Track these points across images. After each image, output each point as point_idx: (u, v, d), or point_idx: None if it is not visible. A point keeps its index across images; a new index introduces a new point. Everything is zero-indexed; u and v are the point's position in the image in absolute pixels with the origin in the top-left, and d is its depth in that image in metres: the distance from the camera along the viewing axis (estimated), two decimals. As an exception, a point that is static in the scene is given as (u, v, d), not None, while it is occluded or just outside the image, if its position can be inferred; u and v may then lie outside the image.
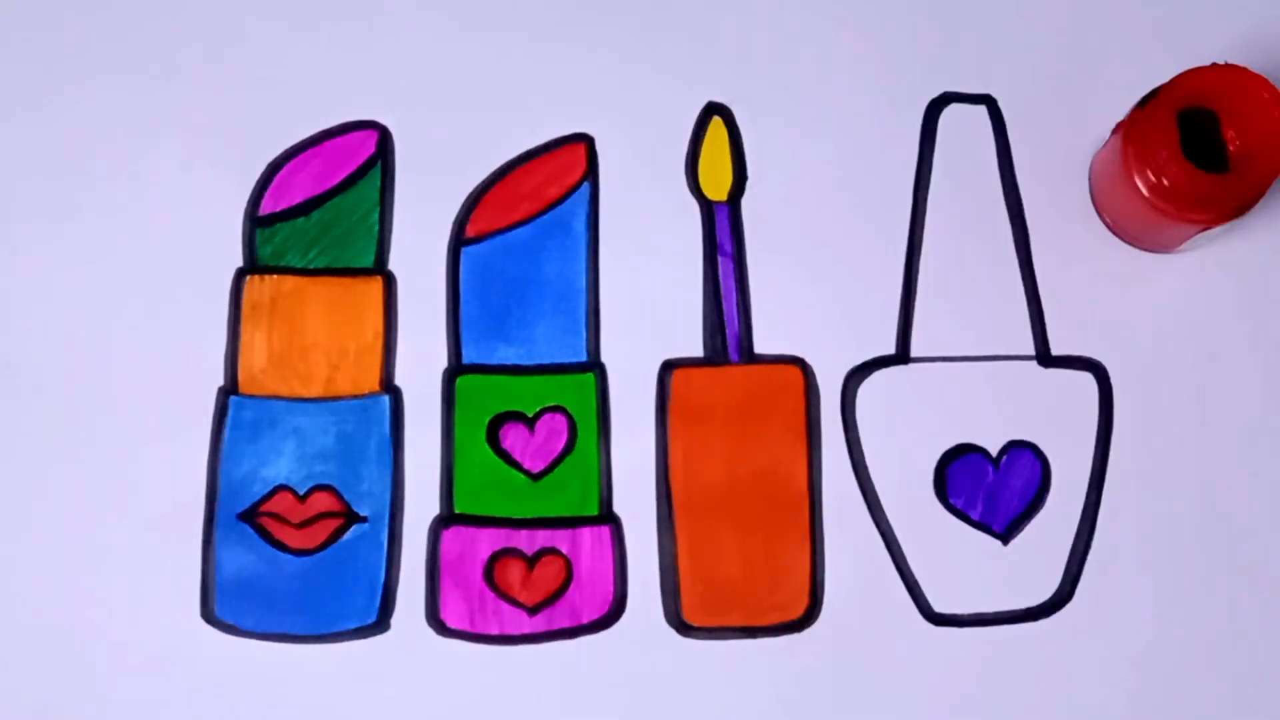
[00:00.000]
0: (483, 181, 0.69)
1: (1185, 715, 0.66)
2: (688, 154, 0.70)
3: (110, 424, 0.67)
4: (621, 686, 0.66)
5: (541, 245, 0.69)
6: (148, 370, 0.68)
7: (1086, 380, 0.68)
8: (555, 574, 0.67)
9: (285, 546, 0.67)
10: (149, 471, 0.67)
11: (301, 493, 0.67)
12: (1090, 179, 0.69)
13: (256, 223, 0.69)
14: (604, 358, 0.68)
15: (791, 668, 0.66)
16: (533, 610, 0.66)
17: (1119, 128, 0.66)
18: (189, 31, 0.70)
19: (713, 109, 0.70)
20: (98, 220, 0.69)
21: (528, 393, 0.68)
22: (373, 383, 0.68)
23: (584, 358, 0.68)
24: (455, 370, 0.68)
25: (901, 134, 0.70)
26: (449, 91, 0.70)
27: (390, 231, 0.69)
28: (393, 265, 0.69)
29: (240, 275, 0.69)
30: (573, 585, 0.67)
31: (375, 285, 0.69)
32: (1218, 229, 0.65)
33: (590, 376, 0.68)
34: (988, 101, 0.70)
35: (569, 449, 0.68)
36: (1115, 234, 0.69)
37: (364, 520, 0.67)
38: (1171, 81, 0.63)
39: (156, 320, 0.68)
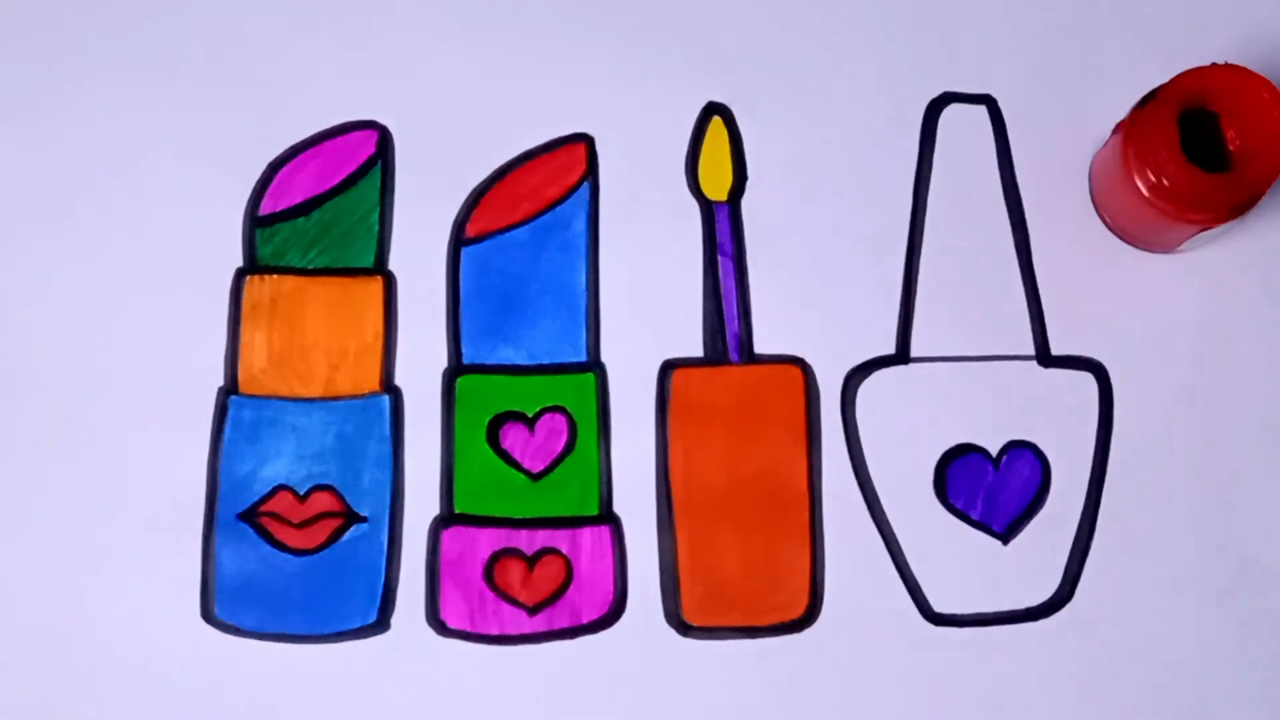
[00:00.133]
0: (483, 181, 0.69)
1: (1185, 715, 0.66)
2: (688, 154, 0.70)
3: (110, 424, 0.67)
4: (621, 686, 0.66)
5: (541, 245, 0.69)
6: (148, 370, 0.68)
7: (1086, 380, 0.68)
8: (555, 574, 0.67)
9: (285, 546, 0.67)
10: (149, 471, 0.67)
11: (301, 493, 0.67)
12: (1090, 179, 0.69)
13: (256, 223, 0.69)
14: (604, 358, 0.68)
15: (791, 668, 0.66)
16: (533, 610, 0.66)
17: (1119, 128, 0.66)
18: (189, 31, 0.70)
19: (713, 109, 0.70)
20: (97, 220, 0.69)
21: (528, 393, 0.68)
22: (373, 383, 0.68)
23: (584, 358, 0.68)
24: (455, 370, 0.68)
25: (901, 134, 0.70)
26: (449, 91, 0.70)
27: (390, 231, 0.69)
28: (393, 265, 0.69)
29: (240, 275, 0.69)
30: (573, 585, 0.67)
31: (375, 285, 0.69)
32: (1218, 229, 0.65)
33: (590, 376, 0.68)
34: (988, 101, 0.70)
35: (569, 449, 0.68)
36: (1115, 234, 0.69)
37: (364, 520, 0.67)
38: (1171, 81, 0.63)
39: (156, 320, 0.68)
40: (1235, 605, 0.66)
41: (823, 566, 0.67)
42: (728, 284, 0.69)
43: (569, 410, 0.68)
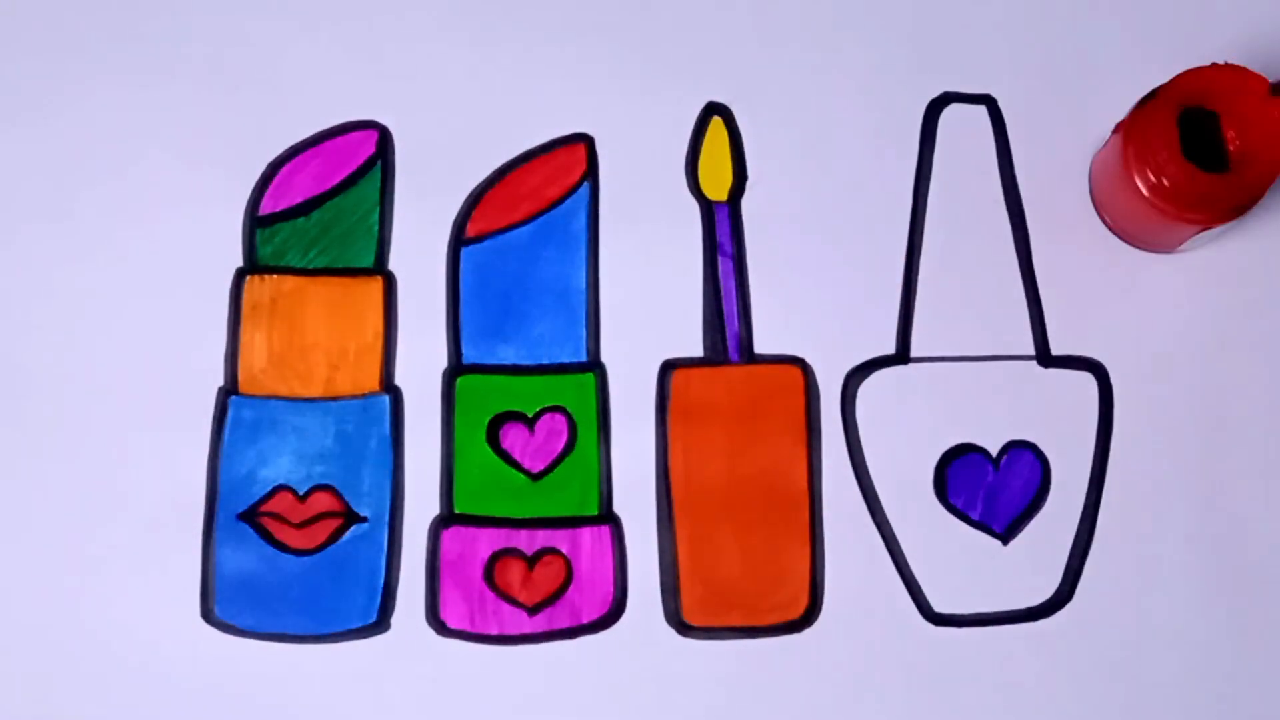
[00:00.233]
0: (483, 181, 0.69)
1: (1185, 715, 0.66)
2: (688, 154, 0.70)
3: (110, 424, 0.67)
4: (621, 686, 0.66)
5: (541, 245, 0.69)
6: (148, 370, 0.68)
7: (1086, 380, 0.68)
8: (555, 574, 0.67)
9: (285, 546, 0.67)
10: (149, 471, 0.67)
11: (301, 493, 0.67)
12: (1090, 179, 0.69)
13: (256, 223, 0.69)
14: (604, 358, 0.68)
15: (791, 668, 0.66)
16: (533, 610, 0.66)
17: (1119, 128, 0.66)
18: (189, 32, 0.70)
19: (713, 109, 0.70)
20: (98, 220, 0.69)
21: (528, 393, 0.68)
22: (373, 383, 0.68)
23: (584, 358, 0.68)
24: (455, 370, 0.68)
25: (901, 134, 0.70)
26: (449, 91, 0.70)
27: (390, 231, 0.69)
28: (393, 265, 0.69)
29: (240, 275, 0.69)
30: (573, 585, 0.67)
31: (375, 285, 0.69)
32: (1218, 229, 0.65)
33: (590, 376, 0.68)
34: (988, 101, 0.70)
35: (569, 449, 0.68)
36: (1115, 234, 0.69)
37: (364, 520, 0.67)
38: (1171, 81, 0.63)
39: (156, 320, 0.68)
40: (1235, 605, 0.66)
41: (823, 566, 0.67)
42: (728, 284, 0.69)
43: (569, 410, 0.68)
